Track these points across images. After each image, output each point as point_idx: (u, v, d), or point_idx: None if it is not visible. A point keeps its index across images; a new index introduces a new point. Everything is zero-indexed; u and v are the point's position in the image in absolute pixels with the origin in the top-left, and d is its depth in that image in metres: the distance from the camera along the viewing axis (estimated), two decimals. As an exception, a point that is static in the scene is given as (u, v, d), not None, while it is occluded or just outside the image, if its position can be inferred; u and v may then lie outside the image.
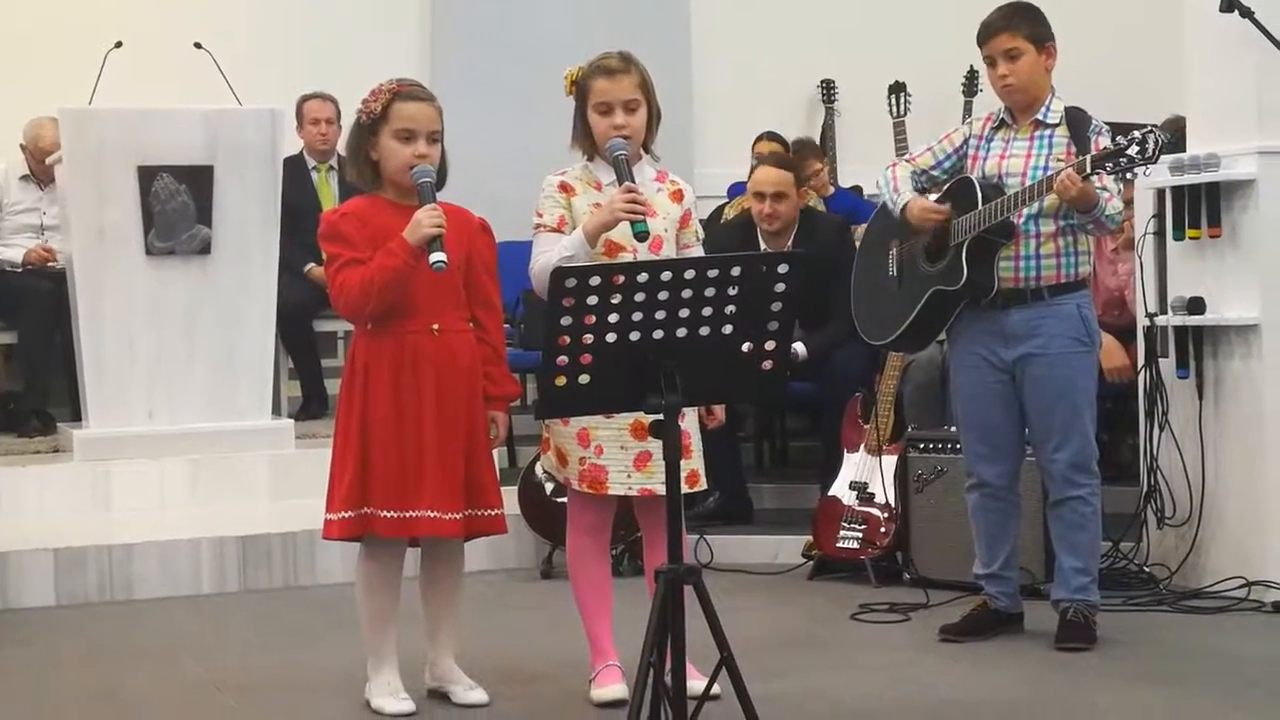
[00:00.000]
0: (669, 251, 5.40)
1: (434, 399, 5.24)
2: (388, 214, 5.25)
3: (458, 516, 5.25)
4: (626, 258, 5.27)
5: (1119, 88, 10.05)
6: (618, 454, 5.31)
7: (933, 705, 5.42)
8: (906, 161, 6.29)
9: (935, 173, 6.20)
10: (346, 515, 5.25)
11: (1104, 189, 5.81)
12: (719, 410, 5.54)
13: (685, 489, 5.22)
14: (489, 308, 5.45)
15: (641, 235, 5.16)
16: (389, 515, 5.22)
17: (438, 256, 5.04)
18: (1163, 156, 6.79)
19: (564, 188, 5.43)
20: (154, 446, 8.21)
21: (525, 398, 9.38)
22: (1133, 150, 5.58)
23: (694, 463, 5.39)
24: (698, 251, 5.51)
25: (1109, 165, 5.64)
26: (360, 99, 5.33)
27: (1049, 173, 5.81)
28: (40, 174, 9.45)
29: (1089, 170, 5.67)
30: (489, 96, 10.77)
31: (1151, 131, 5.59)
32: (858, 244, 8.24)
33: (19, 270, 9.30)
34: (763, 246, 8.13)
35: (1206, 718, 5.24)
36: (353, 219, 5.28)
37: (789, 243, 8.11)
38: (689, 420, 5.36)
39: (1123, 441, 8.11)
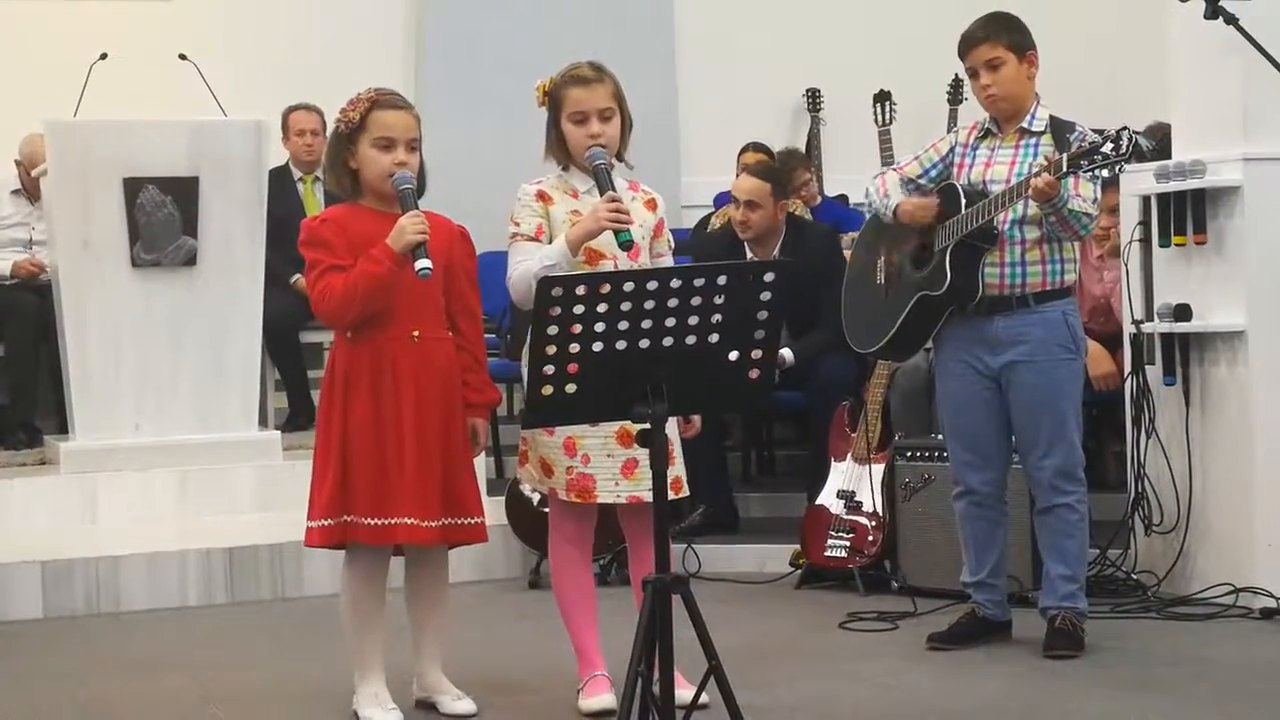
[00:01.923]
0: (644, 260, 5.40)
1: (412, 406, 5.24)
2: (368, 221, 5.25)
3: (434, 524, 5.24)
4: (607, 265, 5.27)
5: (1103, 95, 10.09)
6: (604, 462, 5.31)
7: (921, 713, 5.42)
8: (894, 171, 6.29)
9: (922, 181, 6.20)
10: (327, 523, 5.24)
11: (1079, 196, 5.82)
12: (696, 419, 5.54)
13: (671, 495, 5.23)
14: (469, 316, 5.45)
15: (625, 244, 5.19)
16: (371, 523, 5.22)
17: (423, 263, 5.05)
18: (1148, 163, 6.85)
19: (541, 196, 5.43)
20: (141, 458, 8.19)
21: (513, 408, 9.40)
22: (1107, 147, 5.58)
23: (677, 469, 5.39)
24: (669, 260, 5.54)
25: (1084, 163, 5.63)
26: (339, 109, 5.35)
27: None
28: (31, 188, 9.45)
29: (1065, 169, 5.66)
30: (473, 107, 10.78)
31: (1125, 129, 5.60)
32: (847, 253, 8.28)
33: (5, 283, 9.30)
34: (748, 254, 8.15)
35: (1195, 724, 5.25)
36: (333, 225, 5.29)
37: (775, 251, 8.14)
38: (669, 427, 5.36)
39: (1109, 449, 8.13)
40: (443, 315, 5.37)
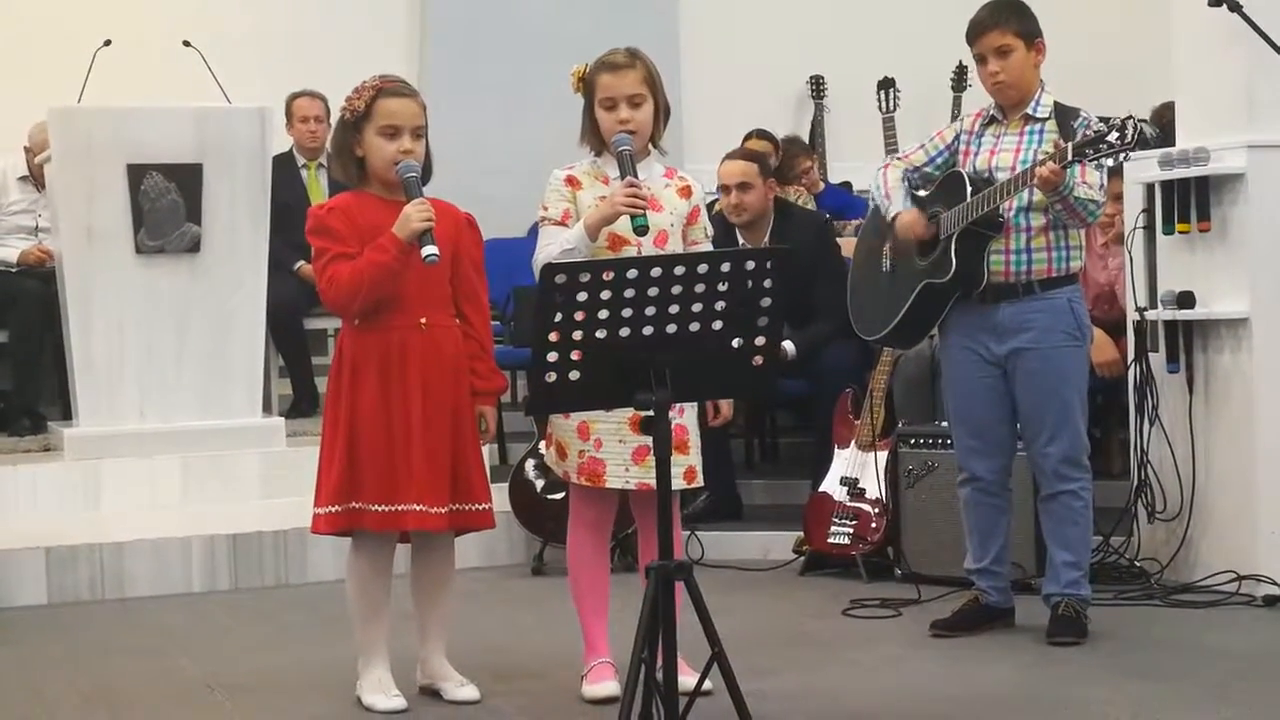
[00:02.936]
0: (675, 247, 5.39)
1: (420, 393, 5.24)
2: (375, 209, 5.26)
3: (443, 511, 5.25)
4: (630, 251, 5.26)
5: (1106, 81, 10.08)
6: (616, 447, 5.31)
7: (924, 700, 5.42)
8: (899, 160, 6.28)
9: (928, 169, 6.20)
10: (334, 510, 5.25)
11: (1085, 184, 5.82)
12: (725, 407, 5.54)
13: (683, 485, 5.27)
14: (475, 303, 5.45)
15: (641, 229, 5.17)
16: (378, 509, 5.22)
17: (430, 250, 5.05)
18: (1153, 151, 6.85)
19: (570, 181, 5.43)
20: (145, 445, 8.19)
21: (515, 395, 9.41)
22: (1112, 136, 5.58)
23: (691, 459, 5.39)
24: (706, 248, 5.51)
25: (1089, 151, 5.63)
26: (344, 97, 5.34)
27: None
28: (39, 175, 9.44)
29: (1070, 157, 5.66)
30: (477, 94, 10.78)
31: (1130, 117, 5.60)
32: (839, 240, 8.29)
33: (11, 270, 9.30)
34: (740, 241, 8.14)
35: (1197, 712, 5.23)
36: (340, 214, 5.29)
37: (765, 237, 8.13)
38: (688, 416, 5.37)
39: (1113, 436, 8.13)
40: (450, 303, 5.37)
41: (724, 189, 8.20)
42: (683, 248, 5.44)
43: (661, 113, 5.44)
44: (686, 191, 5.53)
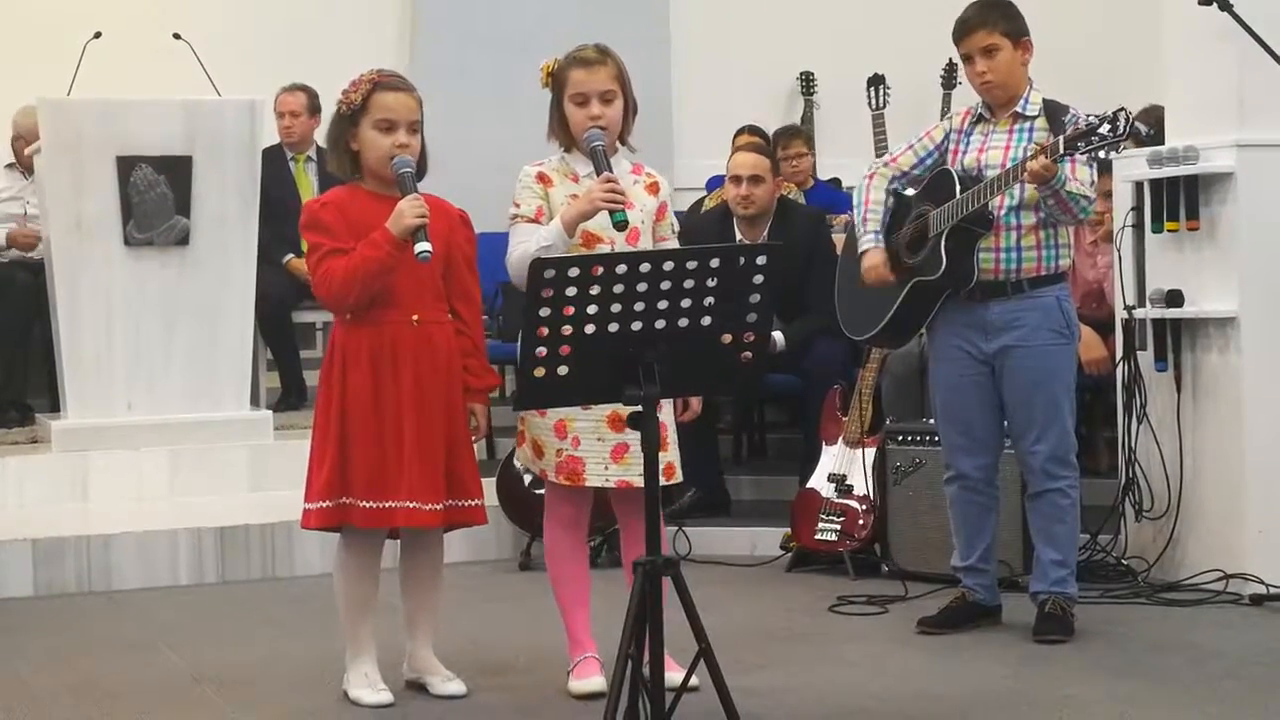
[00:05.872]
0: (645, 243, 5.40)
1: (413, 389, 5.24)
2: (368, 204, 5.25)
3: (437, 507, 5.24)
4: (604, 249, 5.26)
5: (1097, 79, 10.08)
6: (594, 445, 5.31)
7: (910, 697, 5.42)
8: (887, 164, 6.25)
9: (917, 171, 6.19)
10: (324, 505, 5.25)
11: (1076, 179, 5.81)
12: (695, 403, 5.54)
13: (662, 481, 5.22)
14: (468, 300, 5.44)
15: (620, 225, 5.18)
16: (367, 505, 5.22)
17: (423, 247, 5.04)
18: (1142, 149, 6.85)
19: (542, 178, 5.43)
20: (132, 437, 8.20)
21: (504, 389, 9.41)
22: (1104, 129, 5.57)
23: (670, 455, 5.39)
24: (673, 244, 5.52)
25: (1081, 144, 5.62)
26: (340, 90, 5.33)
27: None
28: (26, 162, 9.43)
29: (1062, 151, 5.66)
30: (468, 89, 10.76)
31: (1122, 110, 5.59)
32: (834, 235, 8.28)
33: (2, 259, 9.29)
34: (738, 236, 8.13)
35: (1183, 710, 5.24)
36: (334, 208, 5.28)
37: (764, 232, 8.12)
38: (665, 412, 5.36)
39: (1100, 434, 8.13)
40: (443, 299, 5.37)
41: (735, 179, 8.14)
42: (652, 244, 5.44)
43: (630, 109, 5.44)
44: (654, 188, 5.54)
